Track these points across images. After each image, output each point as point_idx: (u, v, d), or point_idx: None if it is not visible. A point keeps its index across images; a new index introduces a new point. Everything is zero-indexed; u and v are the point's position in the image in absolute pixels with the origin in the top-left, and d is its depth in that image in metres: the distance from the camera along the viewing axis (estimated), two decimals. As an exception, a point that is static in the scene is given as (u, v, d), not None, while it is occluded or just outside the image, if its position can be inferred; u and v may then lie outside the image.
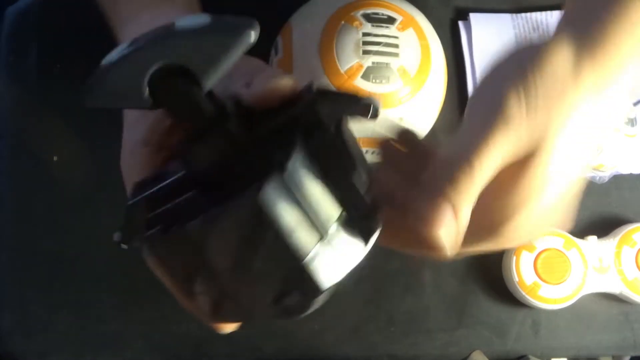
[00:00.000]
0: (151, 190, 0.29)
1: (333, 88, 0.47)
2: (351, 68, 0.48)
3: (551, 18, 0.62)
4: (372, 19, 0.49)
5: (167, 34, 0.24)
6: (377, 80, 0.48)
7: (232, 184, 0.25)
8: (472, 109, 0.33)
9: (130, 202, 0.30)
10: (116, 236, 0.28)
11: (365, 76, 0.47)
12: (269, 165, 0.24)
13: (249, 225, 0.24)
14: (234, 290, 0.27)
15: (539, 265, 0.55)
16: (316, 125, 0.26)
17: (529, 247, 0.56)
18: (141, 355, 0.57)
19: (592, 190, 0.59)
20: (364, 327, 0.57)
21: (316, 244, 0.25)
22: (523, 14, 0.62)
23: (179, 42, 0.24)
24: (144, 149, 0.34)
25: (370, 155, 0.51)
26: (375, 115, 0.27)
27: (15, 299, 0.58)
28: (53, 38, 0.61)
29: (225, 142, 0.26)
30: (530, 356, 0.57)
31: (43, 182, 0.59)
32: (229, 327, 0.33)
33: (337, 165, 0.26)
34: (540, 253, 0.56)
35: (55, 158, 0.59)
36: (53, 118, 0.60)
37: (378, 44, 0.48)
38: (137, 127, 0.34)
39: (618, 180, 0.60)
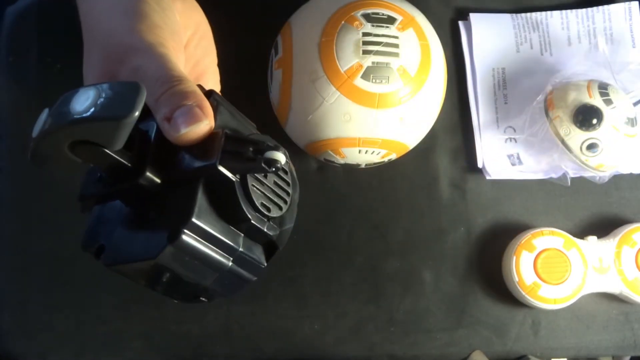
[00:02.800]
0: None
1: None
2: (351, 68, 0.48)
3: (551, 18, 0.62)
4: (372, 19, 0.49)
5: (66, 121, 0.29)
6: (377, 80, 0.48)
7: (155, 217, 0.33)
8: None
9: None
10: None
11: (365, 76, 0.47)
12: (180, 213, 0.32)
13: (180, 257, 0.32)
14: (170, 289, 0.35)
15: (538, 266, 0.55)
16: (218, 178, 0.32)
17: (529, 247, 0.56)
18: (141, 355, 0.57)
19: (592, 190, 0.60)
20: (364, 327, 0.57)
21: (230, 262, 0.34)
22: (523, 14, 0.62)
23: (75, 128, 0.29)
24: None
25: (371, 155, 0.51)
26: (276, 170, 0.32)
27: (15, 299, 0.58)
28: (53, 38, 0.61)
29: (137, 192, 0.33)
30: (530, 356, 0.57)
31: (43, 182, 0.59)
32: None
33: (230, 209, 0.33)
34: (540, 253, 0.56)
35: (55, 158, 0.59)
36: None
37: (378, 44, 0.48)
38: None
39: (618, 180, 0.60)
